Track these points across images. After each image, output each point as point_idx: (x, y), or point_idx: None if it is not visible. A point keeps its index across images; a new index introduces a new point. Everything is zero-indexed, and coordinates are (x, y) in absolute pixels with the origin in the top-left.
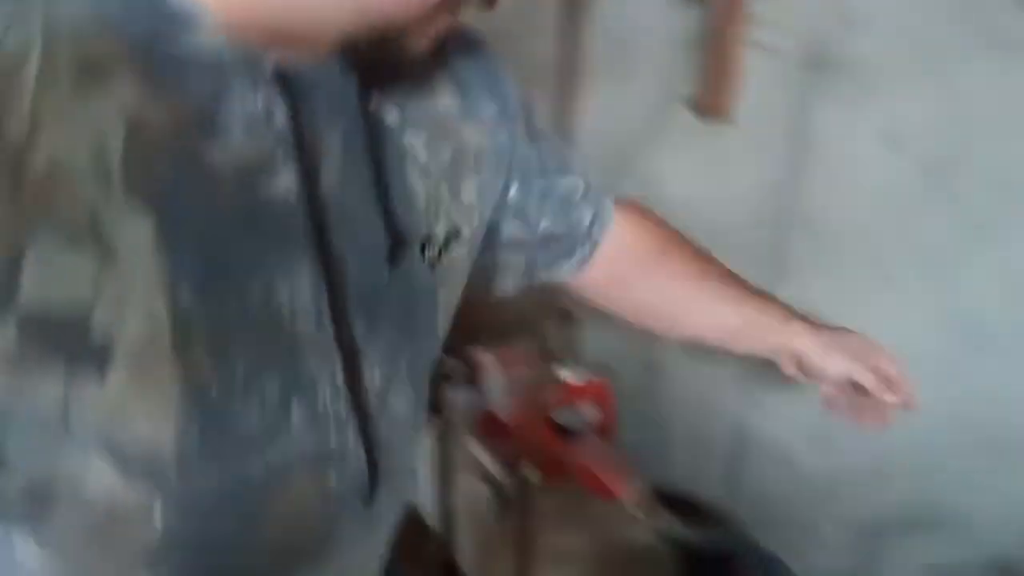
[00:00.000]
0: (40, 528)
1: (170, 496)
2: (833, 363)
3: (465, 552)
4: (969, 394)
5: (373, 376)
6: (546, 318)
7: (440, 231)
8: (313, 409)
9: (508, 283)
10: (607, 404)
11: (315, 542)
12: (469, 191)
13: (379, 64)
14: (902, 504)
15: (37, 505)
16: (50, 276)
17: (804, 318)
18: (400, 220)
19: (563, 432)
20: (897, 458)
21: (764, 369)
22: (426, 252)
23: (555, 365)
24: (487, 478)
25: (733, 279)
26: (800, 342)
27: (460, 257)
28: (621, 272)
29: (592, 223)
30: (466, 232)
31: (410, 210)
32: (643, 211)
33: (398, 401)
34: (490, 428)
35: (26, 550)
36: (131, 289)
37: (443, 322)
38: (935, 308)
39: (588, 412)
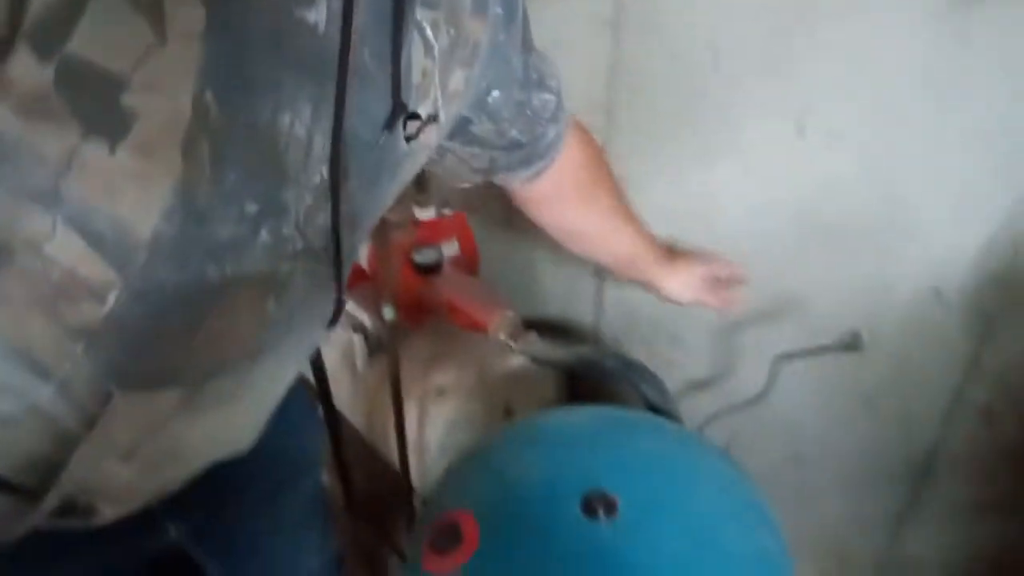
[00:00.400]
0: None
1: (129, 282)
2: (684, 297)
3: (342, 401)
4: (810, 187)
5: (327, 220)
6: None
7: (423, 111)
8: (277, 235)
9: (465, 175)
10: (465, 238)
11: (241, 357)
12: (457, 81)
13: None
14: (753, 300)
15: None
16: (102, 34)
17: (669, 254)
18: (403, 87)
19: (424, 271)
20: (748, 258)
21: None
22: (406, 127)
23: (409, 204)
24: (356, 326)
25: (633, 218)
26: (662, 284)
27: (430, 141)
28: (560, 193)
29: (552, 142)
30: (443, 119)
31: (407, 82)
32: (584, 134)
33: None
34: (352, 276)
35: None
36: (167, 75)
37: (394, 195)
38: (778, 106)
39: (447, 248)
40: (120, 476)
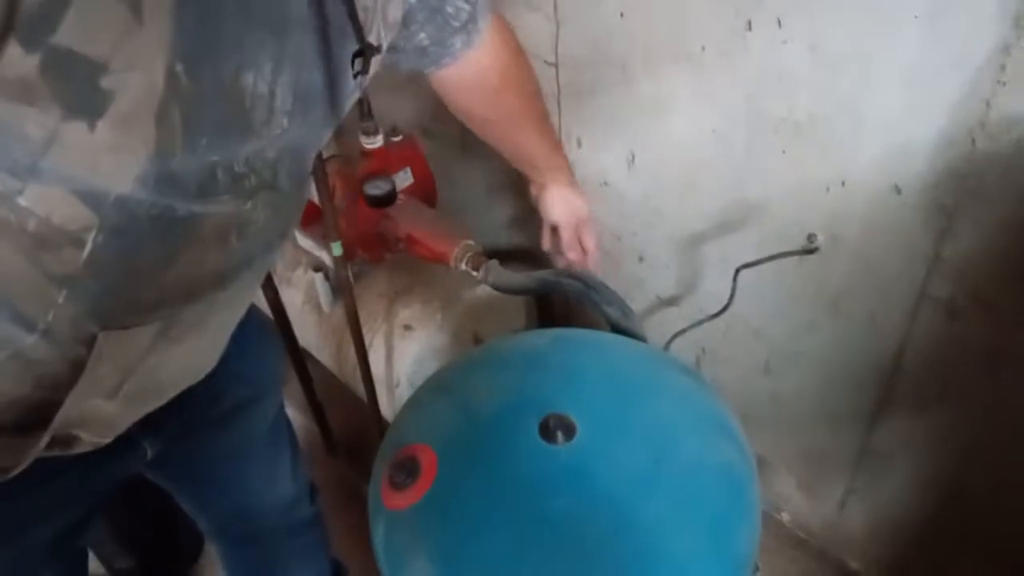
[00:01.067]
0: None
1: (105, 224)
2: (550, 213)
3: (310, 341)
4: (761, 84)
5: (271, 151)
6: None
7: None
8: (233, 175)
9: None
10: (419, 165)
11: (208, 286)
12: (396, 9)
13: None
14: (714, 211)
15: None
16: (87, 21)
17: (564, 172)
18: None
19: (378, 203)
20: (704, 165)
21: (577, 109)
22: (356, 62)
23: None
24: (316, 266)
25: (543, 121)
26: (546, 190)
27: (371, 71)
28: (466, 86)
29: (461, 47)
30: (384, 48)
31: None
32: (504, 36)
33: (288, 181)
34: (306, 215)
35: None
36: (142, 50)
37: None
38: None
39: (400, 178)
40: (104, 411)
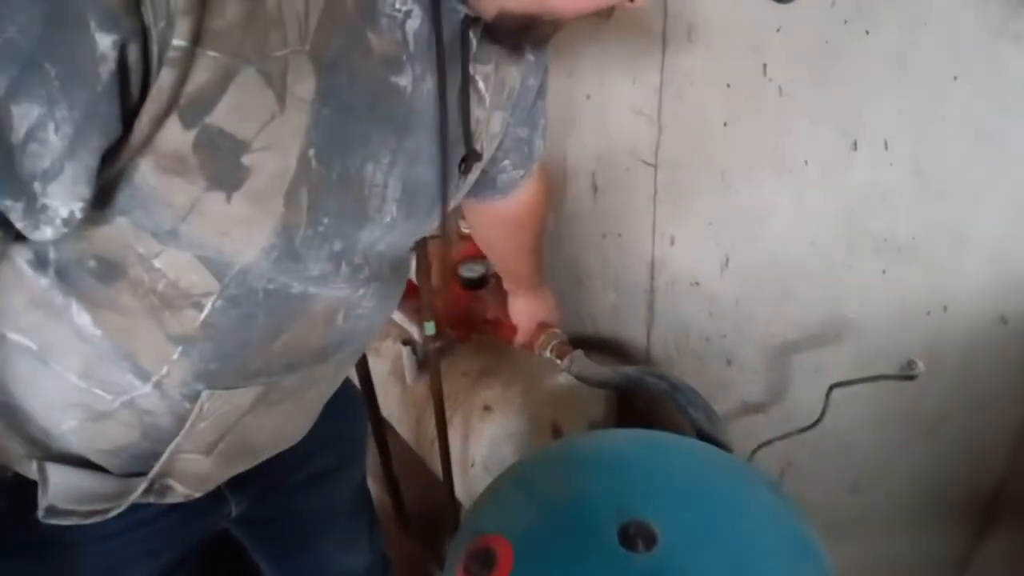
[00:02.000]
0: (100, 299)
1: (225, 293)
2: (516, 316)
3: (392, 413)
4: (863, 202)
5: (385, 247)
6: None
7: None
8: (353, 266)
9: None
10: None
11: (310, 359)
12: (497, 122)
13: (509, 31)
14: (807, 322)
15: (106, 276)
16: (239, 106)
17: (537, 287)
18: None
19: (471, 286)
20: (800, 277)
21: (673, 209)
22: (463, 165)
23: (457, 218)
24: (404, 339)
25: (538, 253)
26: (518, 297)
27: (475, 177)
28: (496, 218)
29: (518, 184)
30: (486, 156)
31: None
32: (542, 183)
33: (390, 272)
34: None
35: (82, 319)
36: (282, 135)
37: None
38: (829, 116)
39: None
40: (198, 465)
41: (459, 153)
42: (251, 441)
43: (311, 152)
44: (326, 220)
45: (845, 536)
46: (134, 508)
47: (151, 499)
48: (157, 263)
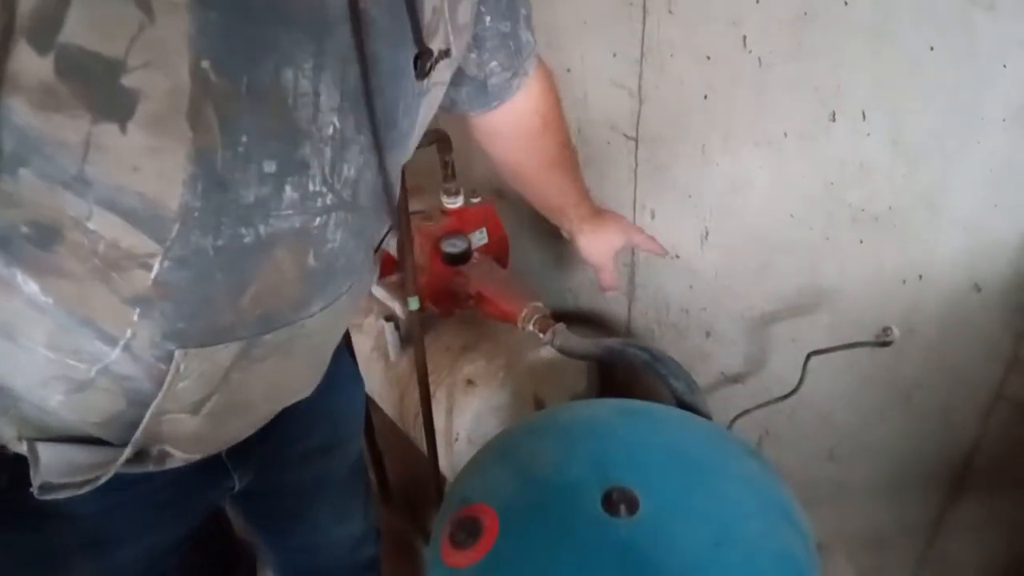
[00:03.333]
0: (43, 266)
1: (168, 250)
2: (590, 258)
3: (375, 389)
4: (841, 173)
5: (350, 168)
6: (425, 144)
7: (435, 47)
8: (303, 191)
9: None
10: (495, 227)
11: (288, 310)
12: (464, 11)
13: None
14: (785, 293)
15: (43, 241)
16: (92, 19)
17: (597, 216)
18: (423, 31)
19: (453, 261)
20: (778, 248)
21: (653, 182)
22: (418, 65)
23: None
24: (387, 316)
25: (573, 172)
26: (579, 240)
27: (443, 77)
28: (510, 131)
29: (518, 86)
30: (455, 53)
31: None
32: (548, 82)
33: (369, 201)
34: (384, 266)
35: (30, 288)
36: (161, 50)
37: (418, 135)
38: (808, 88)
39: (476, 237)
40: (189, 426)
41: (410, 53)
42: (243, 399)
43: (205, 64)
44: (244, 138)
45: (822, 502)
46: (135, 482)
47: (150, 467)
48: (91, 225)
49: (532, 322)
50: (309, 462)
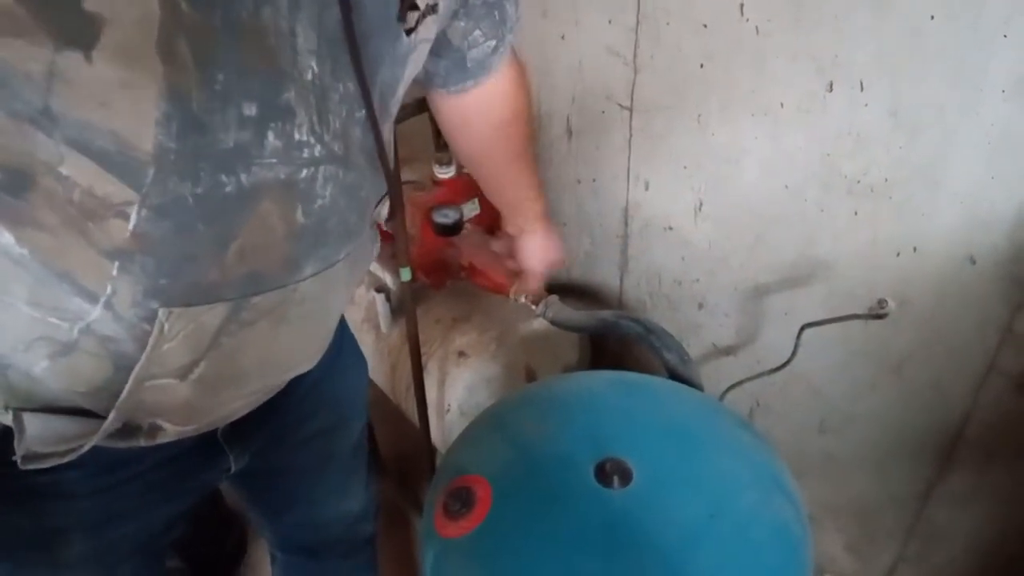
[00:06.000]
0: (17, 216)
1: (146, 197)
2: (527, 260)
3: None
4: (837, 143)
5: (336, 120)
6: (416, 112)
7: (421, 2)
8: (287, 139)
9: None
10: (486, 197)
11: (278, 270)
12: None
13: None
14: (780, 264)
15: (15, 188)
16: None
17: (542, 219)
18: None
19: (445, 231)
20: (774, 220)
21: (648, 153)
22: (406, 19)
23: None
24: (379, 287)
25: (531, 171)
26: (526, 236)
27: (430, 34)
28: (478, 118)
29: (494, 62)
30: (441, 8)
31: None
32: (522, 78)
33: (363, 159)
34: None
35: (5, 239)
36: None
37: (400, 94)
38: (805, 57)
39: (468, 208)
40: (179, 394)
41: (395, 6)
42: (234, 366)
43: None
44: (221, 76)
45: (812, 474)
46: (127, 461)
47: (141, 441)
48: (64, 170)
49: (524, 294)
50: (310, 444)
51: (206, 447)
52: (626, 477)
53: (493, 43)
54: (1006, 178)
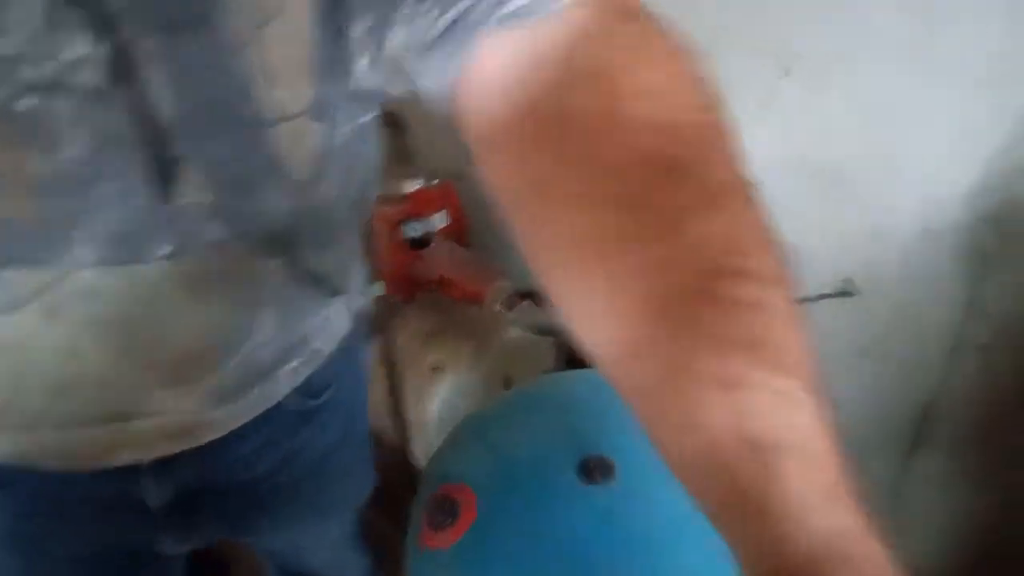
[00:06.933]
0: None
1: None
2: None
3: None
4: (797, 129)
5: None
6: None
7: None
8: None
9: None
10: (454, 208)
11: (31, 244)
12: None
13: None
14: None
15: None
16: None
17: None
18: None
19: (415, 245)
20: None
21: None
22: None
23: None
24: None
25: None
26: None
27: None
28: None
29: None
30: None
31: None
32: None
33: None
34: None
35: None
36: None
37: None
38: (761, 45)
39: (437, 220)
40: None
41: None
42: (46, 375)
43: None
44: None
45: None
46: (34, 498)
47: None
48: None
49: (499, 302)
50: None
51: (119, 479)
52: (609, 472)
53: None
54: (961, 158)
